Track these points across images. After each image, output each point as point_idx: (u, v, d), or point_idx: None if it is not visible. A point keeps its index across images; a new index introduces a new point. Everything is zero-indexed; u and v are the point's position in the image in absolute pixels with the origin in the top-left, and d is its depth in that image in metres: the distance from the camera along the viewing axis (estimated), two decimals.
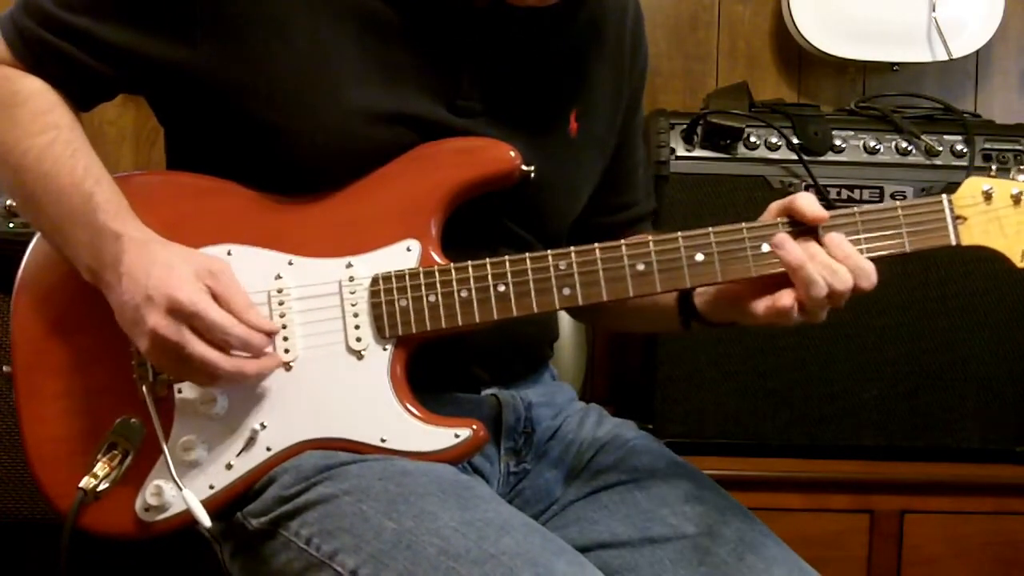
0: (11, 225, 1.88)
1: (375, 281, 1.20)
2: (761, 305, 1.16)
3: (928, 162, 2.05)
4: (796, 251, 1.13)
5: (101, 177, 1.21)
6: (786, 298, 1.14)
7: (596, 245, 1.18)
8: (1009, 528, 2.05)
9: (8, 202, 1.87)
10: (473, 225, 1.25)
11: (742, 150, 2.03)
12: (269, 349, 1.18)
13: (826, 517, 2.02)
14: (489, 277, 1.18)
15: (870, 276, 1.15)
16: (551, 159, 1.30)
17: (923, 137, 2.06)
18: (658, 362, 2.05)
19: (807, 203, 1.16)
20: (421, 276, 1.19)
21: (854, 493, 2.02)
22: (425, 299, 1.19)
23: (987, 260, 1.97)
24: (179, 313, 1.11)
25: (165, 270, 1.13)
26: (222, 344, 1.13)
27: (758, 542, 1.20)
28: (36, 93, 1.24)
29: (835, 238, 1.15)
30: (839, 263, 1.14)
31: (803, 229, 1.16)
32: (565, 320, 2.06)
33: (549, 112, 1.34)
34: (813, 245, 1.15)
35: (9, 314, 1.25)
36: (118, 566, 1.81)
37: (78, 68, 1.23)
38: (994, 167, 1.41)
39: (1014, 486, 2.04)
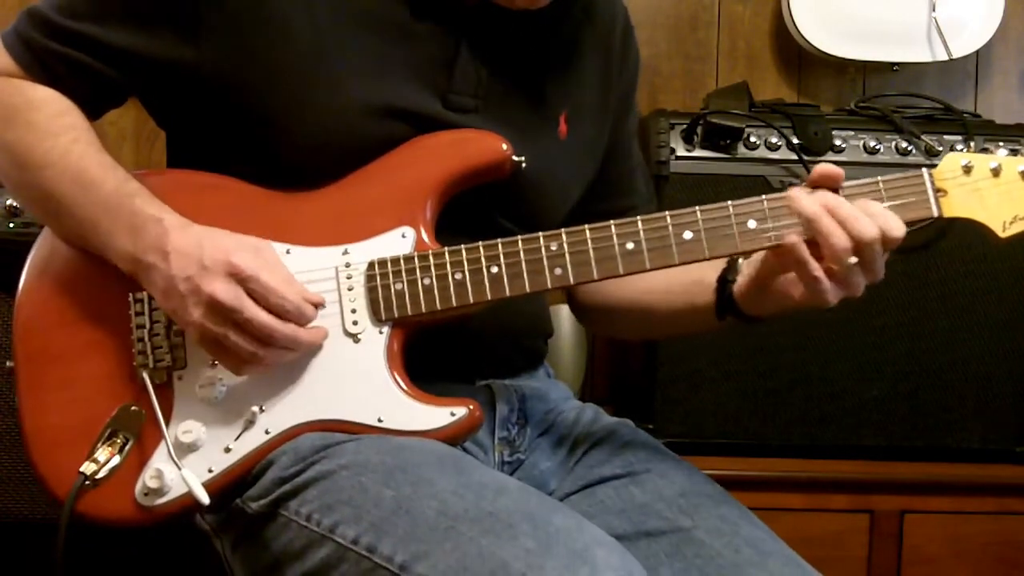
0: (11, 225, 1.87)
1: (371, 266, 1.21)
2: (792, 281, 1.18)
3: (928, 162, 2.03)
4: (810, 201, 1.14)
5: (124, 170, 1.23)
6: (814, 267, 1.14)
7: (586, 226, 1.19)
8: (1009, 528, 2.04)
9: (8, 202, 1.86)
10: (466, 222, 1.26)
11: (742, 150, 2.03)
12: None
13: (826, 517, 2.02)
14: (482, 259, 1.20)
15: (897, 221, 1.14)
16: (542, 157, 1.31)
17: (923, 137, 2.05)
18: (658, 362, 2.04)
19: (823, 167, 1.18)
20: (416, 260, 1.20)
21: (854, 493, 2.02)
22: (420, 282, 1.20)
23: (987, 260, 2.01)
24: (237, 276, 1.13)
25: (216, 241, 1.15)
26: (278, 310, 1.15)
27: (754, 536, 1.20)
28: (50, 99, 1.25)
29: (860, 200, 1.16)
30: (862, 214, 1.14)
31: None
32: (565, 320, 2.06)
33: (540, 111, 1.35)
34: (830, 199, 1.15)
35: (10, 313, 1.26)
36: (116, 566, 1.81)
37: (86, 74, 1.25)
38: None
39: (1014, 486, 2.04)
